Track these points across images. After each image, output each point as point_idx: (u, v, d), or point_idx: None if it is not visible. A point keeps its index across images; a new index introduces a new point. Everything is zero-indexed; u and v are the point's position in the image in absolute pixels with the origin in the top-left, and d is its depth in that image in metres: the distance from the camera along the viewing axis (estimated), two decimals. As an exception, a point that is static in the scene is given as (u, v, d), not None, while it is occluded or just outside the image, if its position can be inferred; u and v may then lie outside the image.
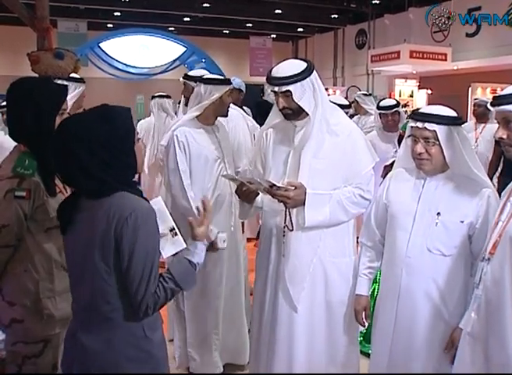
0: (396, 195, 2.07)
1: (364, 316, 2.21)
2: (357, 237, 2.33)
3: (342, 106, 4.07)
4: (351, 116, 5.20)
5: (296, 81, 2.15)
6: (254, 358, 2.48)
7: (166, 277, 1.50)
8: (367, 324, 2.25)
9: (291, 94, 2.16)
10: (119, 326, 1.48)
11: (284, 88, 2.16)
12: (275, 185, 2.11)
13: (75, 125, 1.48)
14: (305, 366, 2.27)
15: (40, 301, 1.90)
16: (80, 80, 3.28)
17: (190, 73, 3.48)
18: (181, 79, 3.43)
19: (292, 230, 2.21)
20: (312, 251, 2.25)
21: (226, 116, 2.93)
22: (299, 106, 2.18)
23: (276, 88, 2.18)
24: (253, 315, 2.47)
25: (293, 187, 2.13)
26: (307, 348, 2.27)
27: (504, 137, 1.61)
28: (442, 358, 1.92)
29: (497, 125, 1.66)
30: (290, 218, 2.21)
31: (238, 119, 3.33)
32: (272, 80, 2.19)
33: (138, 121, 5.80)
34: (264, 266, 2.36)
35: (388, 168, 3.14)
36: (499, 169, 4.45)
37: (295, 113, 2.23)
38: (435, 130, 1.88)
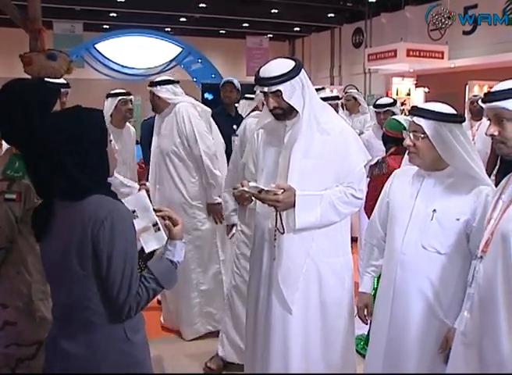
0: (397, 192, 2.07)
1: (366, 313, 2.19)
2: (352, 237, 2.32)
3: (330, 98, 4.08)
4: (342, 107, 5.15)
5: (285, 80, 2.12)
6: (249, 359, 2.46)
7: (148, 277, 1.50)
8: (369, 321, 2.23)
9: (281, 94, 2.13)
10: (100, 329, 1.47)
11: (274, 88, 2.13)
12: (263, 190, 2.09)
13: (49, 125, 1.48)
14: (301, 367, 2.26)
15: (33, 303, 1.89)
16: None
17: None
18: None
19: (283, 233, 2.19)
20: (305, 251, 2.23)
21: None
22: (289, 105, 2.16)
23: (266, 89, 2.15)
24: (247, 316, 2.46)
25: (282, 190, 2.10)
26: (303, 349, 2.25)
27: (496, 133, 1.59)
28: (435, 358, 1.91)
29: None
30: (281, 221, 2.18)
31: (179, 113, 3.41)
32: (261, 81, 2.16)
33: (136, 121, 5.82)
34: (257, 267, 2.34)
35: (373, 168, 3.12)
36: (497, 167, 4.44)
37: (286, 113, 2.20)
38: (420, 125, 1.89)
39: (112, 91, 3.97)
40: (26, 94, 1.90)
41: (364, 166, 2.30)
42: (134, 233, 1.50)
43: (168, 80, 3.51)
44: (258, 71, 2.21)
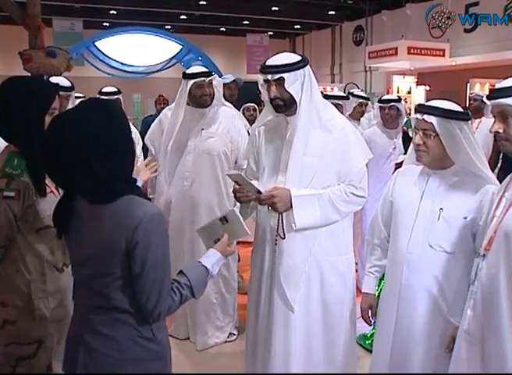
0: (401, 191, 2.05)
1: (370, 315, 2.17)
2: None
3: (339, 98, 4.06)
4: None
5: (289, 70, 2.14)
6: (250, 359, 2.45)
7: (183, 284, 1.46)
8: (372, 322, 2.22)
9: (283, 82, 2.14)
10: (129, 328, 1.42)
11: (277, 76, 2.14)
12: (260, 192, 2.11)
13: (70, 120, 1.37)
14: (302, 365, 2.25)
15: (32, 301, 1.87)
16: None
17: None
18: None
19: (284, 238, 2.19)
20: (307, 250, 2.22)
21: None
22: (290, 97, 2.16)
23: (269, 76, 2.17)
24: (248, 315, 2.45)
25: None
26: (304, 347, 2.25)
27: (500, 131, 1.57)
28: (440, 357, 1.89)
29: (493, 119, 1.63)
30: (283, 226, 2.18)
31: (234, 119, 3.31)
32: (266, 69, 2.19)
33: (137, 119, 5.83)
34: (259, 266, 2.33)
35: (398, 166, 3.12)
36: (499, 165, 4.42)
37: (286, 105, 2.20)
38: (431, 122, 1.86)
39: (103, 89, 3.92)
40: (23, 92, 1.87)
41: (366, 165, 2.28)
42: (167, 237, 1.44)
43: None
44: (265, 62, 2.24)
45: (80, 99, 5.69)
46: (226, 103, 3.37)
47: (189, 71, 3.21)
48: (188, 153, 3.19)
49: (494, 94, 1.59)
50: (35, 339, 1.88)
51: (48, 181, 1.90)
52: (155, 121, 3.56)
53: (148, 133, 3.56)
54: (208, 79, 3.12)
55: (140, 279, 1.37)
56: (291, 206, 2.13)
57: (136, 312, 1.41)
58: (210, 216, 3.11)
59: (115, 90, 3.94)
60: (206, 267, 1.54)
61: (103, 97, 3.80)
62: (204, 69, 3.20)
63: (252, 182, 2.14)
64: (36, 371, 1.90)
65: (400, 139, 4.07)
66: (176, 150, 3.22)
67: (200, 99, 3.12)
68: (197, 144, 3.18)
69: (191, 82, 3.10)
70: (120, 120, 1.42)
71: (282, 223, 2.18)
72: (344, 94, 4.33)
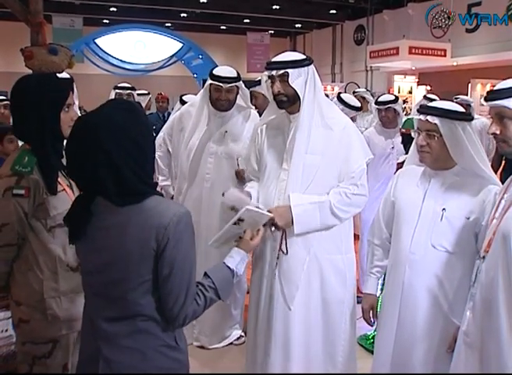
0: (403, 192, 2.06)
1: (371, 315, 2.17)
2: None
3: (354, 108, 4.03)
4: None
5: (293, 66, 2.18)
6: (250, 358, 2.44)
7: (207, 286, 1.43)
8: (375, 323, 2.21)
9: (287, 78, 2.16)
10: (151, 337, 1.38)
11: (281, 71, 2.17)
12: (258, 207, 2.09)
13: (103, 119, 1.33)
14: (302, 365, 2.25)
15: (44, 301, 1.85)
16: None
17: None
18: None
19: (286, 253, 2.20)
20: (306, 248, 2.23)
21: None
22: (293, 93, 2.17)
23: (274, 72, 2.19)
24: (249, 314, 2.45)
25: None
26: (304, 346, 2.25)
27: (497, 132, 1.58)
28: (441, 357, 1.89)
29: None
30: (286, 242, 2.19)
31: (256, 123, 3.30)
32: (271, 65, 2.23)
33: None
34: (260, 265, 2.33)
35: (399, 166, 3.11)
36: (502, 165, 4.42)
37: (289, 100, 2.21)
38: (435, 123, 1.87)
39: (118, 84, 3.95)
40: (38, 90, 1.84)
41: (367, 164, 2.29)
42: (194, 237, 1.41)
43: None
44: (270, 59, 2.27)
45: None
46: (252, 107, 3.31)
47: (214, 70, 3.10)
48: (210, 155, 3.14)
49: (491, 95, 1.60)
50: (49, 339, 1.86)
51: (60, 179, 1.88)
52: (176, 116, 3.48)
53: (166, 127, 3.53)
54: (228, 86, 3.01)
55: (168, 281, 1.33)
56: (292, 222, 2.15)
57: (161, 318, 1.37)
58: (226, 218, 3.07)
59: (130, 86, 3.97)
60: (230, 268, 1.52)
61: (117, 90, 3.82)
62: (227, 74, 3.05)
63: (257, 209, 1.99)
64: (53, 370, 1.88)
65: (399, 138, 4.04)
66: (198, 150, 3.17)
67: (215, 102, 3.06)
68: (219, 147, 3.14)
69: (209, 82, 3.03)
70: (147, 121, 1.42)
71: (286, 239, 2.19)
72: (359, 105, 4.25)
